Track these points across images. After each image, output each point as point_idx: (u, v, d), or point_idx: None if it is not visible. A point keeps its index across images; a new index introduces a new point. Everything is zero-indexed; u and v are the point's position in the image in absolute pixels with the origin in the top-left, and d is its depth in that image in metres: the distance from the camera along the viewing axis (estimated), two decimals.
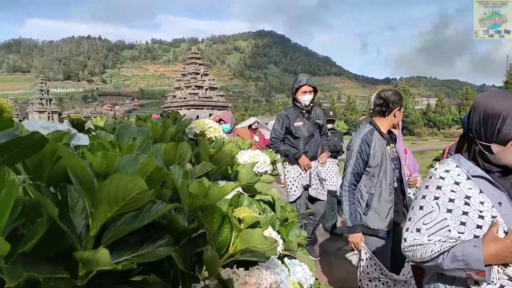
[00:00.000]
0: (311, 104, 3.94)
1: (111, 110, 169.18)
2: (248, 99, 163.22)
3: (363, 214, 2.61)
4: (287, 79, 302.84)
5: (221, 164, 1.20)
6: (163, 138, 1.19)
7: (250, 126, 8.82)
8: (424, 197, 1.34)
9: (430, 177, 1.37)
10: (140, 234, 0.62)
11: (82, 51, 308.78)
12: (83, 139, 0.72)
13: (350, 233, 2.65)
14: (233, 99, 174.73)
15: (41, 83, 42.69)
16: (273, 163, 2.10)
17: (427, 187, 1.36)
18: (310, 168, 3.86)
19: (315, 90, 3.96)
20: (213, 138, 1.44)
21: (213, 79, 25.95)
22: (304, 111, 3.94)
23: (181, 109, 23.99)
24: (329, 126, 5.22)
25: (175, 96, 25.13)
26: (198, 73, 24.85)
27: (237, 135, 5.11)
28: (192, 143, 1.46)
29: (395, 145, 2.72)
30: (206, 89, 24.79)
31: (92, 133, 1.09)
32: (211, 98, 24.77)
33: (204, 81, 24.95)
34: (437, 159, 5.95)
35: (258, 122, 9.25)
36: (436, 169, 1.38)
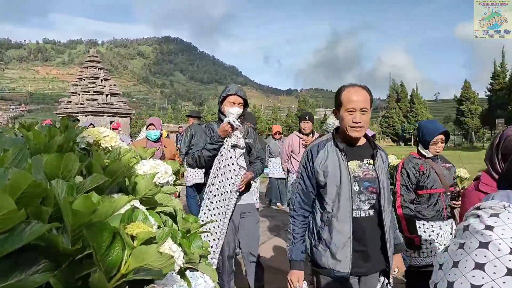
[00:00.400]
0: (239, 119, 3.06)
1: None
2: (153, 106, 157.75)
3: (314, 246, 2.04)
4: (193, 87, 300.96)
5: (117, 176, 1.12)
6: (48, 149, 1.07)
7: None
8: (456, 264, 0.77)
9: (466, 229, 0.82)
10: (11, 260, 0.54)
11: None
12: None
13: (290, 269, 2.08)
14: (137, 105, 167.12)
15: None
16: (176, 173, 2.04)
17: (461, 246, 0.79)
18: (230, 130, 3.00)
19: (245, 103, 3.18)
20: (109, 148, 1.34)
21: (115, 85, 24.46)
22: None
23: (77, 116, 22.08)
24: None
25: (71, 101, 23.06)
26: (97, 78, 23.19)
27: (164, 146, 4.66)
28: (85, 153, 1.34)
29: (373, 161, 2.02)
30: (107, 95, 23.24)
31: None
32: (112, 104, 23.27)
33: (104, 86, 23.37)
34: None
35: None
36: (475, 214, 0.83)
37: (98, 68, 23.65)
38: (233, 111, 3.00)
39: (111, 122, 23.00)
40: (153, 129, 4.51)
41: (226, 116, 3.06)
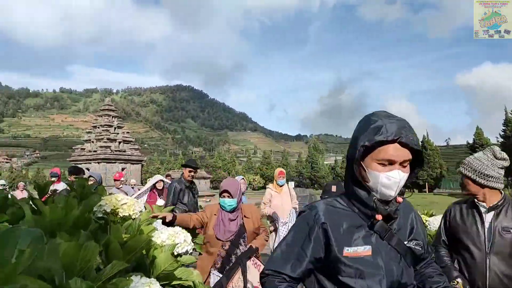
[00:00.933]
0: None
1: (7, 162, 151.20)
2: (164, 152, 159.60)
3: None
4: (204, 133, 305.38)
5: (136, 252, 1.04)
6: (64, 224, 1.00)
7: (154, 187, 7.19)
8: None
9: None
10: None
11: None
12: None
13: None
14: (148, 152, 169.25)
15: None
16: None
17: None
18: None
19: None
20: (128, 215, 1.26)
21: (128, 132, 24.94)
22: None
23: (90, 163, 22.32)
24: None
25: (84, 149, 23.44)
26: (111, 126, 23.71)
27: (245, 216, 3.08)
28: (101, 223, 1.27)
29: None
30: (120, 142, 23.62)
31: None
32: (124, 151, 23.57)
33: (118, 133, 23.82)
34: None
35: (163, 181, 7.29)
36: None
37: (112, 117, 24.25)
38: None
39: (122, 169, 23.16)
40: (228, 196, 3.03)
41: None
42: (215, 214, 2.94)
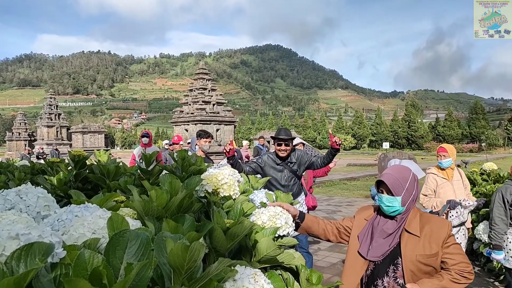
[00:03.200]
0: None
1: (119, 123, 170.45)
2: (255, 112, 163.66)
3: None
4: (293, 93, 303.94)
5: (238, 238, 1.01)
6: (169, 208, 1.01)
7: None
8: None
9: None
10: None
11: (92, 66, 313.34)
12: (59, 254, 0.54)
13: None
14: (240, 112, 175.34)
15: (50, 97, 43.09)
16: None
17: None
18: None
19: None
20: (229, 195, 1.25)
21: (220, 94, 25.91)
22: None
23: (188, 124, 23.91)
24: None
25: (182, 111, 25.12)
26: (205, 88, 24.85)
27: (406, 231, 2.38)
28: (204, 202, 1.28)
29: None
30: (214, 104, 24.75)
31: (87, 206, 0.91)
32: (218, 113, 24.69)
33: (212, 96, 24.92)
34: None
35: (304, 144, 6.08)
36: None
37: (206, 80, 25.33)
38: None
39: (217, 130, 24.38)
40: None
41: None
42: (365, 219, 1.85)
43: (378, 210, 1.79)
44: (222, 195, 1.23)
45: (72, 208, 0.89)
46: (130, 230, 0.60)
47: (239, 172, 3.19)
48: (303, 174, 4.29)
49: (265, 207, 1.33)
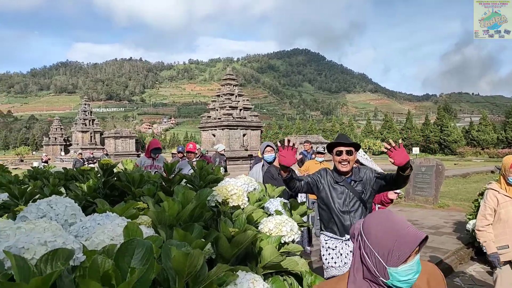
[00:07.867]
0: None
1: (149, 128, 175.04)
2: (282, 117, 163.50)
3: None
4: (321, 97, 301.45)
5: (242, 246, 1.10)
6: (181, 217, 1.12)
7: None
8: None
9: None
10: None
11: (124, 73, 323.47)
12: (80, 258, 0.66)
13: None
14: (267, 117, 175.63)
15: (85, 103, 44.91)
16: (303, 215, 1.97)
17: None
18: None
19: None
20: (238, 205, 1.35)
21: (247, 99, 26.19)
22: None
23: (215, 129, 24.31)
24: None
25: (210, 116, 25.56)
26: (232, 94, 25.20)
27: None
28: (215, 211, 1.38)
29: None
30: (240, 109, 25.03)
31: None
32: (245, 118, 24.95)
33: (238, 101, 25.23)
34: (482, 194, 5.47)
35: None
36: None
37: (233, 85, 25.69)
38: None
39: (244, 135, 24.61)
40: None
41: None
42: None
43: None
44: (231, 205, 1.32)
45: (95, 217, 1.02)
46: (137, 239, 0.70)
47: (291, 190, 2.93)
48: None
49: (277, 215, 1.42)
